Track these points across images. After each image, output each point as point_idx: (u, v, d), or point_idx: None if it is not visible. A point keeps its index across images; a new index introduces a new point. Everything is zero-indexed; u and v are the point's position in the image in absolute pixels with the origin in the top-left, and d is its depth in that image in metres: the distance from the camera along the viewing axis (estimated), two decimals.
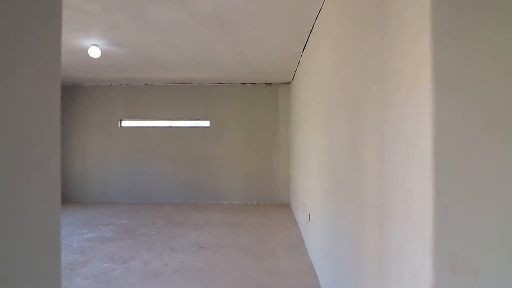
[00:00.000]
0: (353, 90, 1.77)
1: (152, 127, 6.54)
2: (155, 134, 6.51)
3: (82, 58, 4.32)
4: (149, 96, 6.47)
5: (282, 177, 6.35)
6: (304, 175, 4.03)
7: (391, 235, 1.18)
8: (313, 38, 3.24)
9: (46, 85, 0.76)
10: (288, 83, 6.32)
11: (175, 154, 6.47)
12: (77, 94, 6.51)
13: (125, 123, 6.59)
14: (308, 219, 3.47)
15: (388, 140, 1.23)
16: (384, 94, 1.27)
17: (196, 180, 6.43)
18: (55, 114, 0.79)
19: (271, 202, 6.36)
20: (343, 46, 2.02)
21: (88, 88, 6.51)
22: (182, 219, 5.16)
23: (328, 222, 2.47)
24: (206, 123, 6.50)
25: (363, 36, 1.58)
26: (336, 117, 2.21)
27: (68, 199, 6.55)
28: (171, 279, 2.97)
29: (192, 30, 3.23)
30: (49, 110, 0.78)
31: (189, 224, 4.84)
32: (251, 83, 6.36)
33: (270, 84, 6.37)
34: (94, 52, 3.75)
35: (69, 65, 4.74)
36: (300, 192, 4.52)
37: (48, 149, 0.78)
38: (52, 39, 0.77)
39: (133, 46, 3.79)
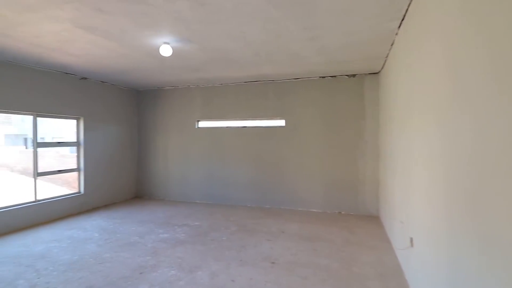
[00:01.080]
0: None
1: (227, 127, 6.42)
2: (230, 135, 6.37)
3: (158, 59, 4.35)
4: (224, 95, 6.37)
5: (369, 184, 5.41)
6: (402, 185, 3.15)
7: None
8: (418, 3, 2.40)
9: None
10: (377, 73, 5.35)
11: (249, 155, 6.19)
12: (160, 97, 6.87)
13: (202, 124, 6.65)
14: (410, 244, 2.62)
15: None
16: None
17: (271, 183, 6.02)
18: None
19: (355, 213, 5.49)
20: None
21: (169, 91, 6.79)
22: (254, 225, 4.80)
23: (451, 259, 1.67)
24: (281, 123, 6.03)
25: None
26: (466, 112, 1.43)
27: (153, 196, 6.96)
28: None
29: (260, 11, 2.78)
30: None
31: (262, 232, 4.43)
32: (331, 76, 5.61)
33: (353, 75, 5.51)
34: (166, 51, 3.66)
35: (149, 68, 4.89)
36: (395, 205, 3.61)
37: None
38: None
39: (201, 41, 3.57)
